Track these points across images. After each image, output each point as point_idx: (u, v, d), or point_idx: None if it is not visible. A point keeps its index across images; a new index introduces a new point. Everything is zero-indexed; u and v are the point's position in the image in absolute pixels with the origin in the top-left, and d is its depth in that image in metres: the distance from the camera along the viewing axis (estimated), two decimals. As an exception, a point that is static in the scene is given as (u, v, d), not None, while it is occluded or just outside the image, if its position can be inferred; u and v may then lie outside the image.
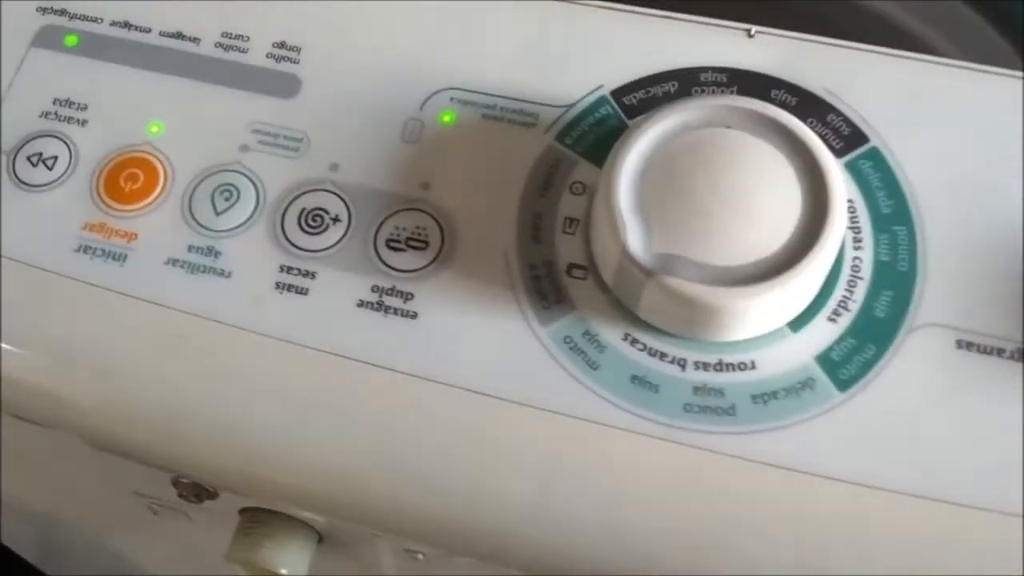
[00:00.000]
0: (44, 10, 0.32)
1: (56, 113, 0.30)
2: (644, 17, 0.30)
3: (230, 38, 0.31)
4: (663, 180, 0.25)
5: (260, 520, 0.34)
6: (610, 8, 0.30)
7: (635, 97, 0.29)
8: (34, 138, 0.30)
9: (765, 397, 0.25)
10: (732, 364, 0.25)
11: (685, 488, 0.24)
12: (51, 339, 0.28)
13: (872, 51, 0.29)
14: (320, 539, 0.34)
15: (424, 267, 0.28)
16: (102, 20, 0.32)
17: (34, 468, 0.42)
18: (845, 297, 0.26)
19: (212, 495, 0.33)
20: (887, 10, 0.41)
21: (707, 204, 0.25)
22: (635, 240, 0.24)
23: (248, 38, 0.31)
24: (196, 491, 0.33)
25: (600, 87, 0.29)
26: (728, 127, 0.26)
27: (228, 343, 0.27)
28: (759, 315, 0.25)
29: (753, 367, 0.25)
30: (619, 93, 0.29)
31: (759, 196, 0.25)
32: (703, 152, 0.25)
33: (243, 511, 0.34)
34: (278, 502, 0.30)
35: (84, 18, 0.32)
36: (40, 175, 0.29)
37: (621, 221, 0.25)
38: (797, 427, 0.25)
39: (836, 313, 0.26)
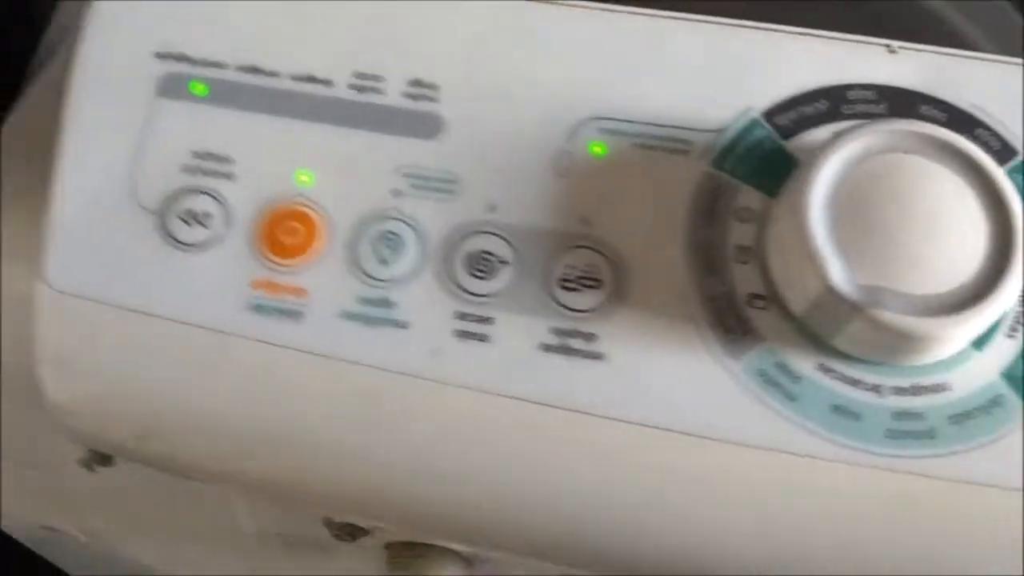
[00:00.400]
0: (163, 56, 0.31)
1: (200, 168, 0.29)
2: (779, 34, 0.30)
3: (364, 78, 0.30)
4: (853, 210, 0.25)
5: (412, 552, 0.34)
6: (740, 26, 0.30)
7: (787, 117, 0.29)
8: (182, 195, 0.29)
9: (961, 417, 0.26)
10: (927, 387, 0.26)
11: (902, 514, 0.25)
12: (235, 400, 0.28)
13: (1009, 63, 0.29)
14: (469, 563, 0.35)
15: (600, 306, 0.28)
16: (228, 65, 0.31)
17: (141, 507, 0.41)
18: (1019, 312, 0.27)
19: (365, 531, 0.33)
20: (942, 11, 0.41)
21: (902, 233, 0.25)
22: (838, 274, 0.25)
23: (383, 78, 0.30)
24: (351, 530, 0.33)
25: (749, 109, 0.29)
26: (906, 152, 0.26)
27: (420, 396, 0.27)
28: (959, 340, 0.25)
29: (947, 388, 0.26)
30: (771, 114, 0.29)
31: (948, 222, 0.25)
32: (889, 180, 0.26)
33: (389, 544, 0.35)
34: (472, 547, 0.30)
35: (207, 63, 0.31)
36: (196, 234, 0.29)
37: (820, 255, 0.25)
38: (994, 445, 0.26)
39: (1013, 329, 0.27)
